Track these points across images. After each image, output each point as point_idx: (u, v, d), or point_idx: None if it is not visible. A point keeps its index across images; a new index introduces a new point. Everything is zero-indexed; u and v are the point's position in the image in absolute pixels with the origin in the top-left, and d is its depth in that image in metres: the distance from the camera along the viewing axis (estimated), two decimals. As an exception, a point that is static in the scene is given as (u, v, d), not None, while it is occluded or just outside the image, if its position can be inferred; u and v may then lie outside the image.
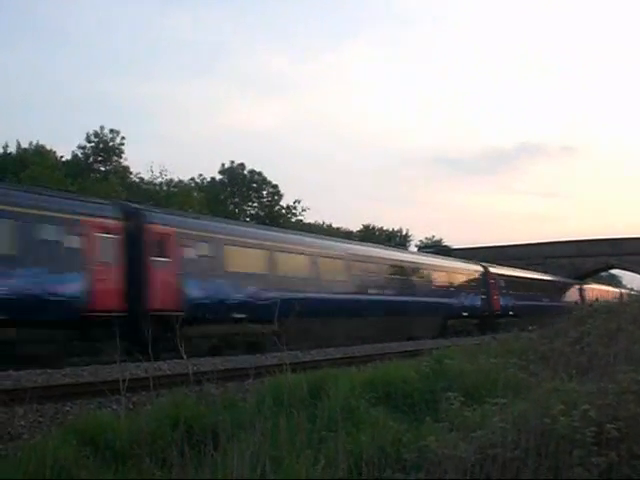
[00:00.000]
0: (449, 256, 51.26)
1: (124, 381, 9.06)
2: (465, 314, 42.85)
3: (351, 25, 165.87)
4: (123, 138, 67.83)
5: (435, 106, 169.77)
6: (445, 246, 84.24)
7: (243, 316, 25.47)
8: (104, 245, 21.63)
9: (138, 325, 20.11)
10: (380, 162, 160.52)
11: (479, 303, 45.10)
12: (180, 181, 69.78)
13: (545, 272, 63.12)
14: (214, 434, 7.03)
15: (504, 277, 49.85)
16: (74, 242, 20.89)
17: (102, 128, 67.37)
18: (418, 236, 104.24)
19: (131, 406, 11.56)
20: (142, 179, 67.51)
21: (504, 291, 48.33)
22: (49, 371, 16.24)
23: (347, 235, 78.05)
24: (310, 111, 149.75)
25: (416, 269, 39.85)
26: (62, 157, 65.87)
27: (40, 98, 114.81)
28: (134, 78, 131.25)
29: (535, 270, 60.93)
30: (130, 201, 29.91)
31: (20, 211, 19.56)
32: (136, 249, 22.66)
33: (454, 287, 43.00)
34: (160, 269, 23.13)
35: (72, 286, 20.45)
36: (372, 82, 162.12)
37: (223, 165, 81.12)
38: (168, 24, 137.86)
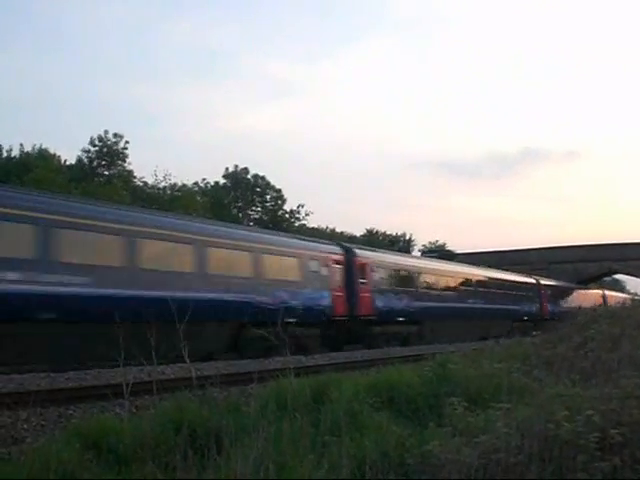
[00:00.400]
0: (452, 260, 54.50)
1: (127, 385, 9.06)
2: (525, 318, 51.00)
3: (354, 30, 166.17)
4: (127, 142, 67.81)
5: (438, 110, 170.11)
6: (449, 251, 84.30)
7: (403, 319, 35.99)
8: (337, 273, 32.71)
9: (352, 325, 32.41)
10: (383, 166, 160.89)
11: (535, 309, 54.38)
12: (184, 185, 69.73)
13: (556, 278, 64.94)
14: (217, 438, 7.02)
15: (550, 287, 59.61)
16: (324, 271, 31.80)
17: (106, 132, 67.38)
18: (421, 241, 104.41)
19: (134, 410, 11.56)
20: (146, 183, 67.54)
21: (550, 299, 57.63)
22: (52, 375, 16.25)
23: (350, 239, 77.94)
24: (314, 115, 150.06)
25: (493, 283, 49.13)
26: (66, 161, 66.00)
27: (44, 102, 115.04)
28: (138, 82, 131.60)
29: (540, 275, 61.84)
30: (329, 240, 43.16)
31: (304, 253, 30.94)
32: (349, 274, 33.29)
33: (519, 297, 51.92)
34: (362, 287, 33.78)
35: (326, 300, 31.33)
36: (376, 86, 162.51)
37: (227, 169, 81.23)
38: (173, 29, 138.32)
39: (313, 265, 30.95)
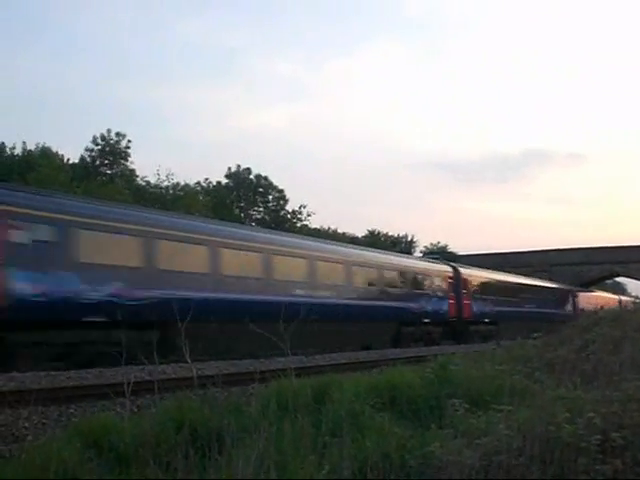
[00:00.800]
0: (454, 262, 54.37)
1: (129, 384, 9.06)
2: (562, 320, 54.10)
3: (358, 31, 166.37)
4: (129, 141, 67.93)
5: (441, 112, 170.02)
6: (451, 252, 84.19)
7: (488, 320, 45.70)
8: (450, 286, 42.60)
9: (458, 325, 42.45)
10: (385, 167, 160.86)
11: (571, 312, 59.12)
12: (186, 185, 69.78)
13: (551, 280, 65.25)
14: (219, 438, 7.02)
15: (582, 293, 67.60)
16: (444, 285, 42.18)
17: (109, 131, 67.49)
18: (423, 242, 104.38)
19: (135, 409, 11.54)
20: (148, 182, 67.59)
21: (580, 305, 62.42)
22: (53, 373, 16.25)
23: (352, 240, 77.93)
24: (315, 116, 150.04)
25: (541, 290, 58.81)
26: (69, 160, 66.03)
27: (47, 100, 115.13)
28: (141, 82, 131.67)
29: (541, 277, 62.11)
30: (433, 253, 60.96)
31: (433, 272, 42.23)
32: (456, 287, 43.16)
33: (555, 300, 60.29)
34: (465, 296, 43.81)
35: (445, 306, 41.62)
36: (378, 88, 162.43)
37: (229, 169, 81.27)
38: (176, 29, 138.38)
39: (437, 280, 41.83)
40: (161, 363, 13.22)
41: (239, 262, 26.09)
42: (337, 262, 32.26)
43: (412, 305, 37.35)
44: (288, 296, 25.88)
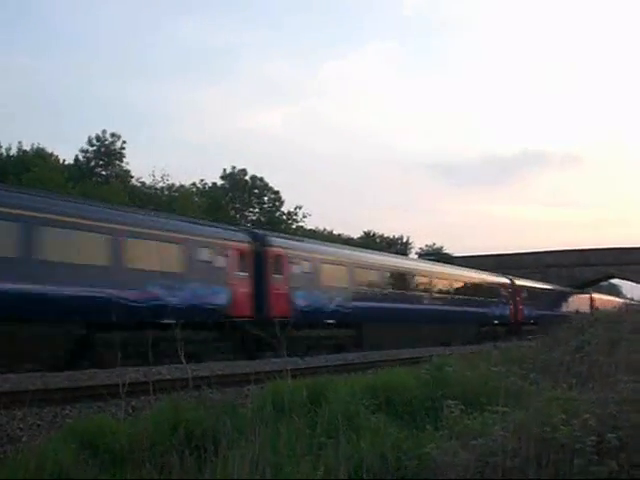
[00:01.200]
0: (450, 264, 55.49)
1: (124, 385, 9.05)
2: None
3: (353, 32, 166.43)
4: (124, 142, 67.86)
5: (436, 113, 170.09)
6: (446, 254, 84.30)
7: (532, 322, 50.56)
8: (509, 294, 52.09)
9: (515, 326, 49.35)
10: (381, 169, 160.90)
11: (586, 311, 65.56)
12: (182, 186, 69.67)
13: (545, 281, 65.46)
14: (214, 439, 7.02)
15: (602, 300, 73.05)
16: (505, 293, 52.02)
17: (104, 132, 67.42)
18: (418, 243, 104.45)
19: (130, 410, 11.54)
20: (144, 183, 67.46)
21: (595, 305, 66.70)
22: (48, 374, 16.23)
23: (347, 242, 77.91)
24: (312, 118, 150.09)
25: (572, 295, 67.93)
26: (64, 160, 65.95)
27: (43, 101, 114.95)
28: (137, 82, 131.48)
29: (534, 279, 62.27)
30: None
31: (503, 283, 53.17)
32: (512, 295, 52.93)
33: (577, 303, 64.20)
34: (518, 303, 53.29)
35: (507, 311, 51.53)
36: (374, 89, 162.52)
37: (225, 170, 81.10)
38: (171, 29, 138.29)
39: (502, 291, 51.60)
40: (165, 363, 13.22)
41: (395, 281, 39.04)
42: (441, 278, 44.26)
43: (487, 310, 48.22)
44: (420, 305, 40.04)
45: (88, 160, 67.36)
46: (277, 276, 29.02)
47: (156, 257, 23.64)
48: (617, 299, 79.53)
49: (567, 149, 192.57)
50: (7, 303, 18.32)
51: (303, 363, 20.04)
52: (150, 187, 66.66)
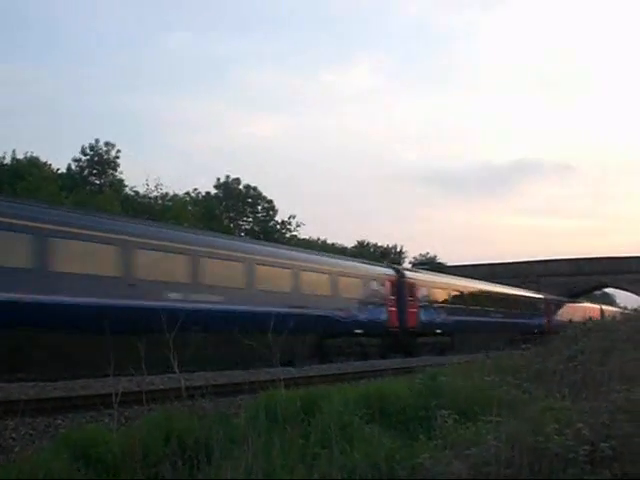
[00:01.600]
0: (443, 273, 55.94)
1: (117, 395, 9.02)
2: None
3: (348, 42, 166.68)
4: (118, 151, 67.88)
5: (430, 122, 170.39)
6: (440, 263, 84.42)
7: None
8: (542, 307, 60.17)
9: (542, 333, 50.60)
10: (374, 178, 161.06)
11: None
12: (175, 195, 69.67)
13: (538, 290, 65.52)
14: (207, 449, 7.00)
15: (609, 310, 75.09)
16: (539, 306, 59.78)
17: (97, 141, 67.44)
18: (412, 252, 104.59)
19: (124, 420, 11.51)
20: (137, 192, 67.43)
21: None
22: (41, 384, 16.17)
23: (341, 251, 77.99)
24: (306, 128, 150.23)
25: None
26: (58, 169, 65.88)
27: (37, 110, 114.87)
28: (131, 91, 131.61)
29: (528, 288, 62.58)
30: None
31: (525, 297, 59.79)
32: (545, 307, 61.13)
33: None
34: (545, 314, 60.70)
35: (538, 321, 58.53)
36: (368, 99, 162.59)
37: (218, 180, 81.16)
38: (166, 39, 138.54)
39: (536, 302, 60.29)
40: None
41: (477, 299, 48.16)
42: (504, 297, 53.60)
43: (523, 321, 54.71)
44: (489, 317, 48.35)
45: (81, 169, 67.32)
46: (410, 299, 38.45)
47: (353, 289, 34.22)
48: (619, 309, 79.92)
49: (560, 159, 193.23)
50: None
51: (296, 372, 20.03)
52: (144, 196, 66.63)
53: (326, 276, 32.23)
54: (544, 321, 59.14)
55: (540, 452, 5.88)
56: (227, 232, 58.37)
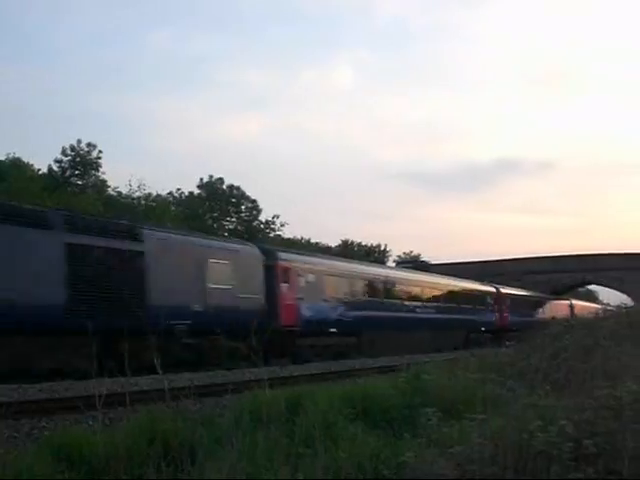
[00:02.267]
0: (428, 271, 55.95)
1: (100, 397, 8.97)
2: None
3: (331, 42, 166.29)
4: (100, 152, 67.49)
5: (412, 121, 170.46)
6: (423, 261, 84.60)
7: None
8: (568, 310, 62.56)
9: None
10: (358, 177, 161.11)
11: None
12: (158, 195, 69.43)
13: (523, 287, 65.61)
14: (191, 450, 6.98)
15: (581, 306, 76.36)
16: (565, 309, 62.04)
17: (79, 142, 67.04)
18: (396, 251, 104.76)
19: (107, 422, 11.45)
20: (120, 193, 67.18)
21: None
22: (24, 386, 16.09)
23: (326, 250, 78.02)
24: (288, 127, 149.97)
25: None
26: (39, 170, 65.51)
27: (15, 109, 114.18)
28: (112, 91, 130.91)
29: (514, 286, 62.73)
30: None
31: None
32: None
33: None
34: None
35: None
36: (351, 98, 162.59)
37: (202, 180, 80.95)
38: (145, 38, 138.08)
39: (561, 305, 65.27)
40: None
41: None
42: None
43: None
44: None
45: (63, 170, 66.99)
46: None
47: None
48: (594, 305, 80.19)
49: (540, 156, 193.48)
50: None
51: (281, 372, 20.02)
52: (127, 197, 66.38)
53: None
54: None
55: (524, 449, 5.89)
56: (210, 232, 58.13)
